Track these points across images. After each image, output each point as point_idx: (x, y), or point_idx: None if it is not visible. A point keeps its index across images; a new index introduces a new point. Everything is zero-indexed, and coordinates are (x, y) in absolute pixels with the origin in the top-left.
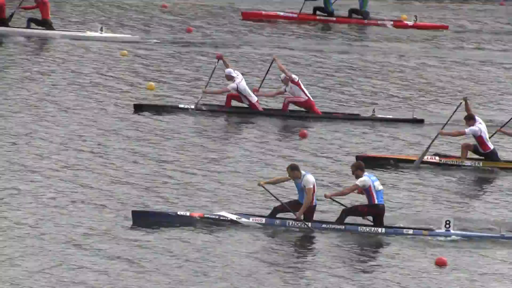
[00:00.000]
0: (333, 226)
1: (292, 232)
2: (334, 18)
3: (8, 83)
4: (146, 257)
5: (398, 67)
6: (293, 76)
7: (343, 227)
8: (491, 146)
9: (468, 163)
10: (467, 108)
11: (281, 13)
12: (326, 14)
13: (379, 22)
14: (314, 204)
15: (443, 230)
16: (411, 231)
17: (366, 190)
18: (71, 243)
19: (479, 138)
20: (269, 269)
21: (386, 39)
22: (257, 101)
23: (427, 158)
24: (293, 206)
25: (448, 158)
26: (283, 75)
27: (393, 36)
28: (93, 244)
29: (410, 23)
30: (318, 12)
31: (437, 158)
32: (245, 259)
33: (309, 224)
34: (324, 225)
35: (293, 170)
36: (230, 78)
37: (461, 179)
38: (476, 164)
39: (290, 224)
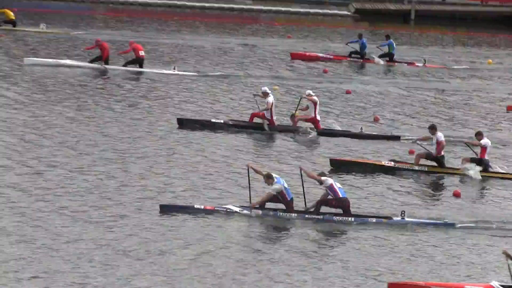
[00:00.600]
0: (312, 216)
1: (282, 221)
2: (361, 60)
3: (113, 107)
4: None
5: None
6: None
7: (321, 217)
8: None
9: (417, 168)
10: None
11: (320, 54)
12: (359, 56)
13: (396, 63)
14: (289, 199)
15: (399, 218)
16: (374, 220)
17: (329, 189)
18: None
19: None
20: (252, 252)
21: (405, 76)
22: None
23: (385, 163)
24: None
25: (402, 163)
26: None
27: (410, 73)
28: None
29: (420, 64)
30: (352, 55)
31: (392, 163)
32: (233, 244)
33: (293, 215)
34: (306, 215)
35: (268, 178)
36: (266, 94)
37: (413, 179)
38: (425, 169)
39: (281, 214)
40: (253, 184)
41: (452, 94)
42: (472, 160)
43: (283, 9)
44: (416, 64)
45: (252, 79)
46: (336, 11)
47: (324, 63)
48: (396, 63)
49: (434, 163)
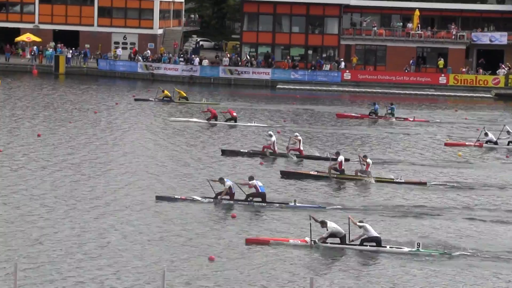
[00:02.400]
0: (244, 203)
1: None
2: (376, 117)
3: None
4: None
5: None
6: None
7: (251, 203)
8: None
9: (329, 176)
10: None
11: (353, 114)
12: (375, 115)
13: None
14: (260, 191)
15: (292, 204)
16: (277, 205)
17: (254, 187)
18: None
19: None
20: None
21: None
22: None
23: (311, 172)
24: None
25: (320, 172)
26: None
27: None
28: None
29: (411, 119)
30: (371, 115)
31: (315, 172)
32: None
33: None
34: (245, 203)
35: (220, 181)
36: (270, 136)
37: (319, 181)
38: (334, 177)
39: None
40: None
41: None
42: (361, 171)
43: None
44: None
45: None
46: (483, 94)
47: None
48: None
49: (338, 173)
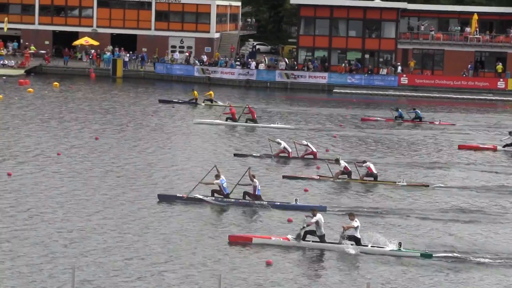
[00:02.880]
0: (243, 201)
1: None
2: (402, 120)
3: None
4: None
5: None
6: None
7: (249, 202)
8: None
9: (339, 180)
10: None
11: (378, 117)
12: (400, 119)
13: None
14: (257, 194)
15: (293, 203)
16: (278, 203)
17: (254, 188)
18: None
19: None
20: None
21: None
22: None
23: (313, 176)
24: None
25: (322, 176)
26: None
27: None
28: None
29: (437, 122)
30: (398, 119)
31: (317, 176)
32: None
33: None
34: (240, 201)
35: (215, 177)
36: (279, 143)
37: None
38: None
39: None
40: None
41: None
42: (367, 175)
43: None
44: None
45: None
46: None
47: None
48: None
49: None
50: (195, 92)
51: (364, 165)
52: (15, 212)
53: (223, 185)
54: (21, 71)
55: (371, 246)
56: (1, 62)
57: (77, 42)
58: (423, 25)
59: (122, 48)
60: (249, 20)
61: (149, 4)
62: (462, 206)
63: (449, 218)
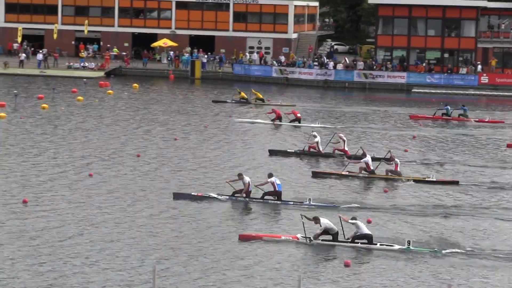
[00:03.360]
0: (259, 200)
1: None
2: (449, 118)
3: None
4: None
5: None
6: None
7: (265, 201)
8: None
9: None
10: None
11: (426, 115)
12: (447, 116)
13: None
14: (277, 189)
15: (307, 202)
16: (292, 203)
17: (272, 184)
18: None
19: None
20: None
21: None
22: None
23: (342, 172)
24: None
25: (351, 173)
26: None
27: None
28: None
29: (487, 119)
30: (443, 115)
31: (347, 172)
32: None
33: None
34: (260, 200)
35: (238, 175)
36: (315, 136)
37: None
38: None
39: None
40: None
41: None
42: (392, 171)
43: None
44: None
45: None
46: None
47: None
48: None
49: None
50: (242, 93)
51: (392, 162)
52: (103, 213)
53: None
54: (101, 73)
55: (380, 245)
56: (82, 64)
57: (156, 44)
58: (503, 23)
59: (201, 50)
60: (327, 20)
61: (227, 5)
62: (491, 202)
63: (470, 214)
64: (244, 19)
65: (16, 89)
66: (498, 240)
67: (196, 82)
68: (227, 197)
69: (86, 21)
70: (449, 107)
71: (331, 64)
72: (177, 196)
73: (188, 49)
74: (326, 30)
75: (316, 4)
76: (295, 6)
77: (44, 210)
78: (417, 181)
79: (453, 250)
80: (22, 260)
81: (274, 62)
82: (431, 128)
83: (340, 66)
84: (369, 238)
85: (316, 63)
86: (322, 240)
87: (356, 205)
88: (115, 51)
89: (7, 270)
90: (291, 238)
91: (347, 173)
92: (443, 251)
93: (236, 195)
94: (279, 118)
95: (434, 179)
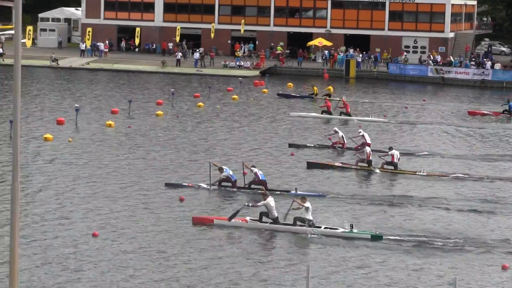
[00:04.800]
0: (246, 190)
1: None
2: (510, 114)
3: None
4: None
5: None
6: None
7: (251, 190)
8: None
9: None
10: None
11: (486, 111)
12: (508, 113)
13: None
14: (262, 179)
15: (293, 192)
16: (278, 192)
17: (255, 174)
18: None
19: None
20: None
21: None
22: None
23: (336, 163)
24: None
25: (345, 164)
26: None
27: None
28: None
29: None
30: (505, 112)
31: (340, 163)
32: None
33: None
34: (246, 190)
35: (220, 170)
36: (336, 132)
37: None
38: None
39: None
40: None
41: None
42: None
43: None
44: None
45: None
46: None
47: None
48: None
49: (366, 165)
50: (315, 87)
51: (389, 153)
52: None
53: (229, 173)
54: (256, 72)
55: (324, 228)
56: (237, 63)
57: (311, 43)
58: None
59: (358, 49)
60: (485, 19)
61: (383, 4)
62: (464, 196)
63: (433, 206)
64: (400, 18)
65: (173, 87)
66: (447, 228)
67: (351, 81)
68: (216, 187)
69: (243, 21)
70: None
71: (489, 63)
72: (169, 185)
73: (343, 48)
74: (484, 29)
75: (474, 2)
76: (452, 4)
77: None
78: (409, 175)
79: (395, 237)
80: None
81: (430, 61)
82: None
83: (497, 66)
84: (311, 221)
85: (473, 63)
86: (264, 222)
87: (341, 195)
88: (279, 49)
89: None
90: (240, 221)
91: (340, 164)
92: (385, 236)
93: (213, 185)
94: (328, 110)
95: (424, 173)
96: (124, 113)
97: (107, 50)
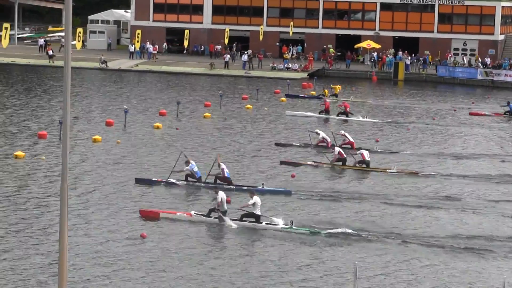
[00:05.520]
0: (213, 185)
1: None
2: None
3: None
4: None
5: None
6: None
7: (215, 185)
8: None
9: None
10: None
11: (487, 112)
12: (510, 114)
13: None
14: (227, 176)
15: (260, 187)
16: (245, 187)
17: (222, 170)
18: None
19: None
20: None
21: None
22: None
23: (308, 162)
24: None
25: (317, 163)
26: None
27: None
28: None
29: None
30: (506, 114)
31: (312, 162)
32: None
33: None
34: (214, 185)
35: (186, 163)
36: (318, 133)
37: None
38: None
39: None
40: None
41: None
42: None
43: None
44: None
45: None
46: None
47: None
48: None
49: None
50: (338, 87)
51: (358, 152)
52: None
53: (194, 169)
54: (304, 75)
55: (265, 223)
56: (285, 65)
57: (359, 45)
58: None
59: (406, 52)
60: None
61: (432, 6)
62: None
63: (398, 202)
64: (449, 21)
65: (221, 89)
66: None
67: (399, 84)
68: (184, 182)
69: (291, 23)
70: None
71: None
72: (139, 181)
73: (392, 50)
74: None
75: None
76: (503, 7)
77: None
78: (379, 171)
79: (335, 230)
80: None
81: (479, 64)
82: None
83: None
84: (257, 217)
85: None
86: (214, 217)
87: (308, 192)
88: (331, 51)
89: None
90: (185, 215)
91: (313, 163)
92: (323, 232)
93: (189, 179)
94: (327, 111)
95: (395, 171)
96: (172, 114)
97: (155, 52)
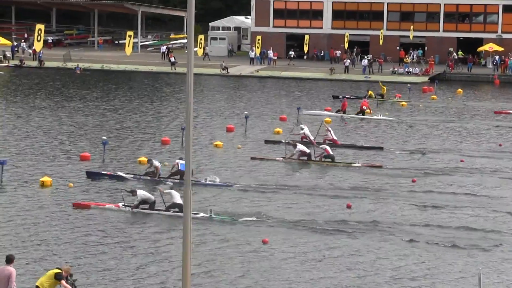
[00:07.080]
0: (165, 179)
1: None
2: None
3: None
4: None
5: None
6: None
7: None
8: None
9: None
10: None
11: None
12: None
13: None
14: (181, 169)
15: (203, 181)
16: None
17: (176, 164)
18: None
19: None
20: None
21: None
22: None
23: (277, 158)
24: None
25: (286, 159)
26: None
27: None
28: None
29: None
30: None
31: (281, 158)
32: None
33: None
34: (167, 179)
35: (148, 161)
36: (302, 128)
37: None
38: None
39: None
40: None
41: None
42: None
43: None
44: None
45: None
46: None
47: None
48: None
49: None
50: (384, 87)
51: (320, 147)
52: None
53: (157, 164)
54: (425, 79)
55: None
56: (406, 69)
57: (481, 48)
58: None
59: None
60: None
61: None
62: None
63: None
64: None
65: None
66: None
67: None
68: (133, 176)
69: (411, 27)
70: None
71: None
72: (89, 174)
73: None
74: None
75: None
76: None
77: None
78: (344, 166)
79: (249, 218)
80: None
81: None
82: None
83: None
84: (180, 207)
85: None
86: (141, 208)
87: (253, 185)
88: (460, 53)
89: None
90: (114, 206)
91: (281, 159)
92: (239, 220)
93: (147, 176)
94: (344, 110)
95: (359, 165)
96: (292, 119)
97: (276, 57)
